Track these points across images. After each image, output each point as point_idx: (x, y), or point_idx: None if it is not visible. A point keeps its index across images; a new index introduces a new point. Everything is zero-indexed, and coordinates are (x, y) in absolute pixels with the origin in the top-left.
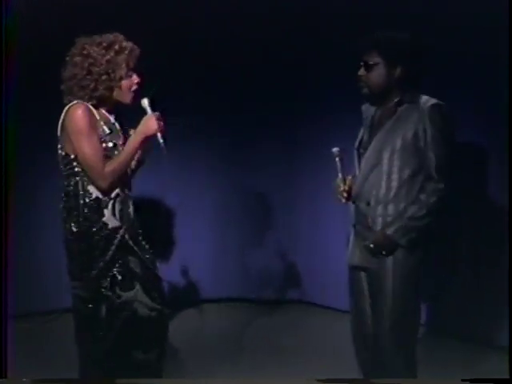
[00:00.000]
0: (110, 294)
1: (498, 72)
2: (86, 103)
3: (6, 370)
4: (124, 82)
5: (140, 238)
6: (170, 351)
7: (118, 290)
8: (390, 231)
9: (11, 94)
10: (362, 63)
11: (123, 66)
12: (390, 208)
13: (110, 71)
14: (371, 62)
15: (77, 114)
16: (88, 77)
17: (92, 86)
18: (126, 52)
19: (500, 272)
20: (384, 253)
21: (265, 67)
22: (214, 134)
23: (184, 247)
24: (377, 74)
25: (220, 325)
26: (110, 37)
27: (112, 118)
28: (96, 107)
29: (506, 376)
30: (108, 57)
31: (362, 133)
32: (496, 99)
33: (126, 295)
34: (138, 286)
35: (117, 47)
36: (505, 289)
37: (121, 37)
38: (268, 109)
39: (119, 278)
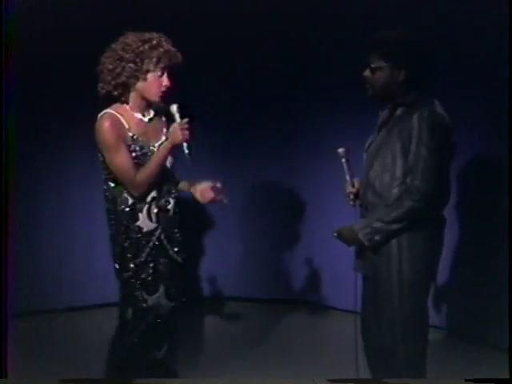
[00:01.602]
0: (138, 297)
1: (498, 73)
2: (114, 112)
3: (6, 370)
4: (150, 76)
5: (175, 230)
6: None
7: (144, 294)
8: (356, 226)
9: (11, 94)
10: (368, 63)
11: (154, 60)
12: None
13: (137, 60)
14: (376, 64)
15: (104, 127)
16: (117, 62)
17: (118, 70)
18: (161, 49)
19: (500, 272)
20: (347, 245)
21: (266, 67)
22: (215, 134)
23: (185, 247)
24: (381, 75)
25: (222, 325)
26: (154, 34)
27: (146, 118)
28: (127, 106)
29: (506, 376)
30: (141, 48)
31: (372, 136)
32: (497, 101)
33: (151, 298)
34: (162, 289)
35: (154, 42)
36: (505, 289)
37: (165, 38)
38: (269, 109)
39: (148, 281)
